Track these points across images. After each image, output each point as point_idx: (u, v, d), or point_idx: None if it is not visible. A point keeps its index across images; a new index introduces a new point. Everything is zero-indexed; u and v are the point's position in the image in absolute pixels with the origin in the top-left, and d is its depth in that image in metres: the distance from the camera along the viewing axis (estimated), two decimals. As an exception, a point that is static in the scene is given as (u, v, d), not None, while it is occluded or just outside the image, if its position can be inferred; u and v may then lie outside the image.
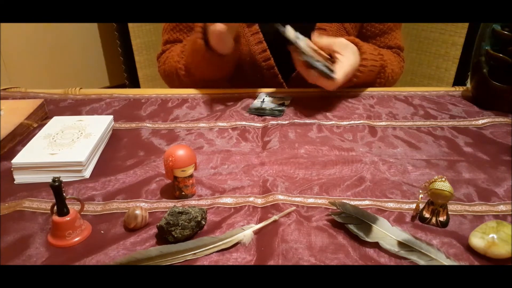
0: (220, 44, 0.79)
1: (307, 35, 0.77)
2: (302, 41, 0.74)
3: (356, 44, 0.82)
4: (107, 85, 2.47)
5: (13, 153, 0.63)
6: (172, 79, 0.94)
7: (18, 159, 0.59)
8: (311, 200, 0.55)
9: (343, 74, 0.75)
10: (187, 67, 0.88)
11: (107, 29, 2.29)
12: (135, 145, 0.69)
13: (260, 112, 0.79)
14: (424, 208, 0.52)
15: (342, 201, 0.53)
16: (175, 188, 0.55)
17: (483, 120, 0.76)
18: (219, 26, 0.74)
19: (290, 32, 0.74)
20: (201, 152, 0.67)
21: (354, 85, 0.85)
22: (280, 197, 0.55)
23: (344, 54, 0.78)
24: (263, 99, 0.84)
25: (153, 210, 0.54)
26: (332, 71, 0.74)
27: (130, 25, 1.88)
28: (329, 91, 0.88)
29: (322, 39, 0.78)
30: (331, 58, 0.78)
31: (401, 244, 0.46)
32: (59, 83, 2.15)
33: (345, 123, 0.76)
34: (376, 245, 0.47)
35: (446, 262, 0.44)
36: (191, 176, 0.55)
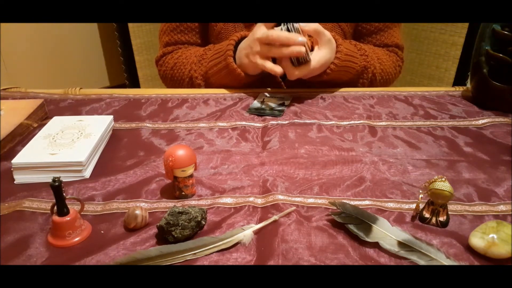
0: (255, 70, 0.82)
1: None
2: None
3: (335, 41, 0.82)
4: (107, 85, 2.47)
5: (13, 153, 0.63)
6: (180, 84, 0.94)
7: (18, 159, 0.59)
8: (311, 200, 0.55)
9: (307, 69, 0.78)
10: (207, 78, 0.89)
11: (107, 29, 2.29)
12: (135, 145, 0.69)
13: (260, 112, 0.79)
14: (424, 208, 0.52)
15: (342, 201, 0.53)
16: (175, 188, 0.55)
17: (483, 120, 0.76)
18: (278, 69, 0.77)
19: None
20: (201, 152, 0.67)
21: (329, 81, 0.85)
22: (280, 197, 0.55)
23: (320, 49, 0.79)
24: (263, 99, 0.84)
25: (153, 210, 0.54)
26: (300, 62, 0.77)
27: (130, 25, 1.87)
28: (328, 90, 0.88)
29: (310, 24, 0.78)
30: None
31: (401, 244, 0.46)
32: (59, 83, 2.15)
33: (345, 123, 0.76)
34: (376, 245, 0.47)
35: (446, 262, 0.44)
36: (191, 176, 0.55)
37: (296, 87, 0.89)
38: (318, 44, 0.79)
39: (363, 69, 0.88)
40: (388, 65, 0.95)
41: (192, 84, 0.91)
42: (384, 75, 0.94)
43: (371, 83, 0.92)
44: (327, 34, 0.79)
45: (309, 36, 0.79)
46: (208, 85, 0.90)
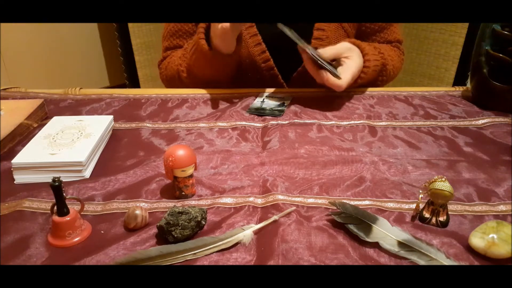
0: (223, 43, 0.79)
1: (307, 36, 0.77)
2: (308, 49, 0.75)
3: (358, 46, 0.83)
4: (107, 85, 2.47)
5: (13, 153, 0.63)
6: (174, 83, 0.95)
7: (18, 159, 0.59)
8: (311, 200, 0.55)
9: (351, 75, 0.78)
10: (189, 69, 0.88)
11: (107, 29, 2.29)
12: (135, 145, 0.69)
13: (260, 112, 0.79)
14: (424, 208, 0.52)
15: (342, 201, 0.53)
16: (175, 188, 0.55)
17: (483, 120, 0.76)
18: (224, 23, 0.75)
19: (290, 33, 0.74)
20: (201, 152, 0.67)
21: (359, 86, 0.87)
22: (280, 197, 0.55)
23: (351, 58, 0.80)
24: (263, 99, 0.84)
25: (153, 210, 0.54)
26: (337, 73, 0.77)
27: (130, 25, 1.88)
28: (329, 90, 0.88)
29: (326, 51, 0.78)
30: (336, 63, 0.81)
31: (401, 244, 0.46)
32: (59, 83, 2.15)
33: (345, 123, 0.76)
34: (376, 245, 0.47)
35: (446, 262, 0.44)
36: (191, 176, 0.55)
37: (296, 87, 0.89)
38: (346, 57, 0.80)
39: (382, 67, 0.90)
40: (396, 60, 0.97)
41: (180, 79, 0.91)
42: (394, 70, 0.96)
43: (385, 81, 0.94)
44: (345, 44, 0.80)
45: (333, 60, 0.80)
46: (191, 77, 0.89)
